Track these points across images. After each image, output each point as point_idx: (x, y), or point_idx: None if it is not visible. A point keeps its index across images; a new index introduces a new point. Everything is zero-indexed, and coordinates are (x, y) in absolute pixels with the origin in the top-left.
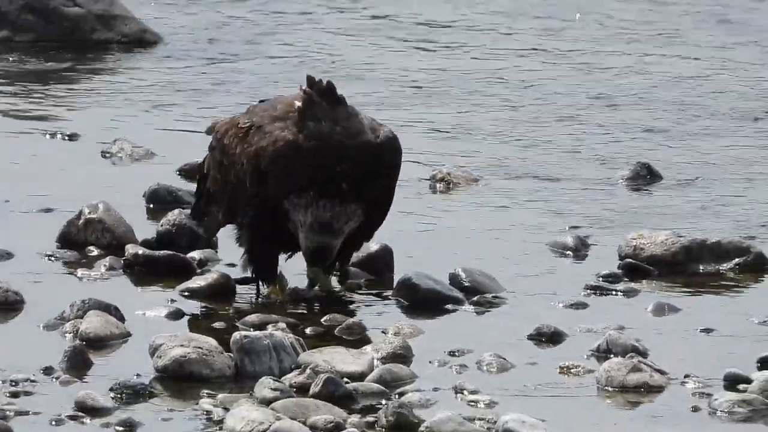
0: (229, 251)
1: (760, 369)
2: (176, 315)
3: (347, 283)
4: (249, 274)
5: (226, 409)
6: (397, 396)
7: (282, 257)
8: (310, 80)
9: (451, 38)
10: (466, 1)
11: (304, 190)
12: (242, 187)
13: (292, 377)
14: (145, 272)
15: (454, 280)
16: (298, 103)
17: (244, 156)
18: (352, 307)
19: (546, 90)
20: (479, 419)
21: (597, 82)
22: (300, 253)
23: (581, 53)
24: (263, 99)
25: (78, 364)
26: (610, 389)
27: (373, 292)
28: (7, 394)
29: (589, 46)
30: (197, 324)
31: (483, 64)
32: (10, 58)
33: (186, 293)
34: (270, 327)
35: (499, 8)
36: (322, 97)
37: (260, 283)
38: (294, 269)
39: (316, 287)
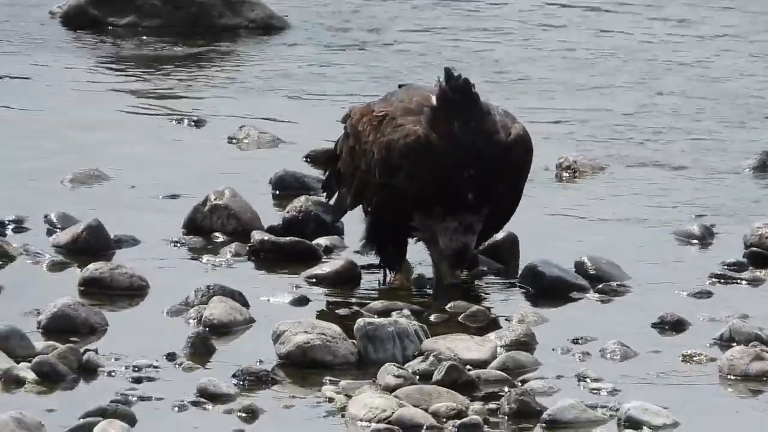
0: (355, 238)
1: None
2: (301, 301)
3: (473, 270)
4: (375, 261)
5: (349, 396)
6: (519, 383)
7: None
8: (448, 74)
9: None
10: None
11: (432, 205)
12: (371, 175)
13: (415, 364)
14: (270, 259)
15: (580, 268)
16: (433, 98)
17: (376, 146)
18: (476, 294)
19: (673, 79)
20: (602, 407)
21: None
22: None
23: (710, 41)
24: (401, 84)
25: (201, 350)
26: (732, 377)
27: (499, 279)
28: (130, 380)
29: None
30: (321, 311)
31: (611, 48)
32: (136, 44)
33: (311, 280)
34: (394, 314)
35: None
36: (457, 93)
37: (386, 270)
38: (419, 257)
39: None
